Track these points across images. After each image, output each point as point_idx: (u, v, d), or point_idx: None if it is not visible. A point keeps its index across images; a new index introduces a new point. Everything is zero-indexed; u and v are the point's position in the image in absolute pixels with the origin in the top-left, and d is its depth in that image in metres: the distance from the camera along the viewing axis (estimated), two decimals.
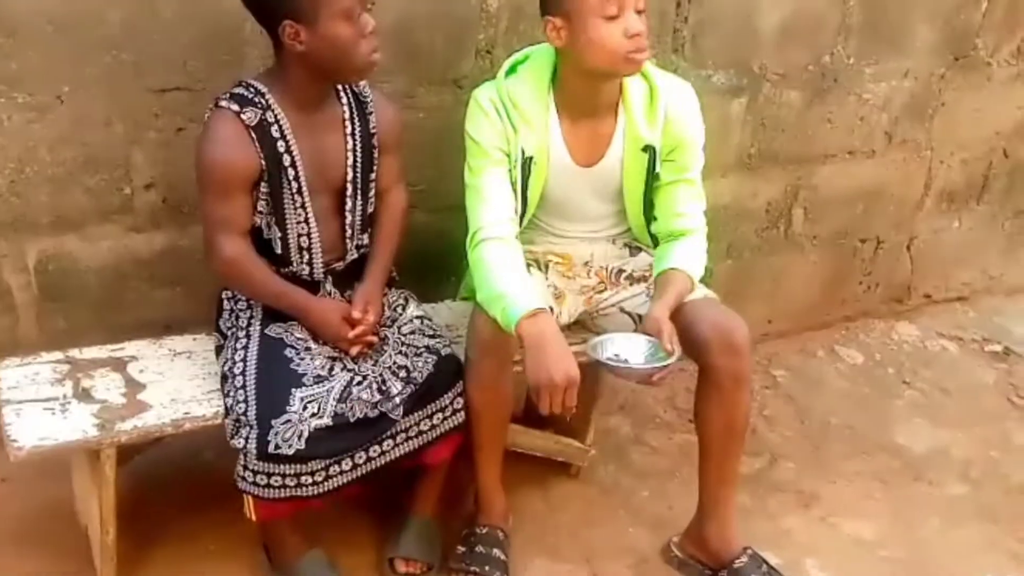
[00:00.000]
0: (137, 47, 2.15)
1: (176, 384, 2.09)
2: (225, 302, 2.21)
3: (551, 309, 2.07)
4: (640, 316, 2.24)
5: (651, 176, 2.20)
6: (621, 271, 2.33)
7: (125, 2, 2.10)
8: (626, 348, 2.06)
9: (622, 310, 2.29)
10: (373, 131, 2.16)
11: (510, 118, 2.12)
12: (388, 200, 2.25)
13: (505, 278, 2.04)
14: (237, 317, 2.17)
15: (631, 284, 2.31)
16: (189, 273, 2.40)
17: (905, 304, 3.62)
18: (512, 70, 2.19)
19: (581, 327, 2.33)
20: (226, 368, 2.06)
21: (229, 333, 2.15)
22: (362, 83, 2.16)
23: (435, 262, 2.49)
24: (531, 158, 2.14)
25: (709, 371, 2.15)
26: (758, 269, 3.22)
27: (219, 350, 2.16)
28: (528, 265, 2.24)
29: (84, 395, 2.02)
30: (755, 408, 2.99)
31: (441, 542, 2.29)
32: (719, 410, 2.16)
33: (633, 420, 2.86)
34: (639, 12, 2.00)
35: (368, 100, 2.16)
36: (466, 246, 2.13)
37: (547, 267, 2.32)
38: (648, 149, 2.16)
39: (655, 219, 2.26)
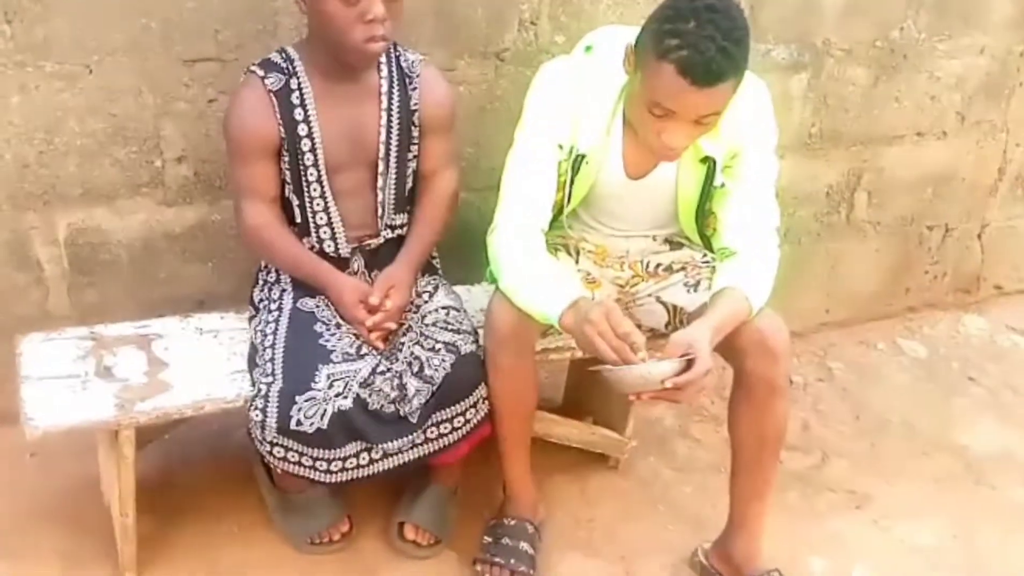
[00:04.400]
0: (167, 16, 2.09)
1: (200, 364, 2.04)
2: (260, 274, 2.18)
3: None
4: (675, 306, 2.13)
5: (708, 188, 2.03)
6: (659, 264, 2.19)
7: None
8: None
9: (658, 300, 2.17)
10: (414, 108, 2.07)
11: (575, 106, 1.96)
12: (433, 184, 2.16)
13: (535, 268, 1.94)
14: (270, 289, 2.13)
15: (670, 274, 2.17)
16: (222, 248, 2.37)
17: (974, 295, 3.45)
18: (589, 49, 2.01)
19: None
20: (256, 338, 2.03)
21: (261, 306, 2.12)
22: (412, 56, 2.07)
23: (473, 242, 2.39)
24: (583, 156, 2.00)
25: (742, 376, 2.01)
26: (817, 256, 3.08)
27: (251, 322, 2.13)
28: (557, 249, 2.14)
29: (105, 373, 1.98)
30: (808, 402, 2.89)
31: (454, 518, 2.23)
32: (751, 419, 2.03)
33: (678, 411, 2.74)
34: None
35: (415, 74, 2.06)
36: (488, 230, 2.02)
37: (578, 253, 2.20)
38: (707, 160, 1.99)
39: (714, 230, 2.07)
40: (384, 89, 2.04)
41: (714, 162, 1.99)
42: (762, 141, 2.03)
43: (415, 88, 2.07)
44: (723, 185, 2.02)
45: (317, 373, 1.91)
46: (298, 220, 2.07)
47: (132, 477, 1.94)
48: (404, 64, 2.07)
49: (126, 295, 2.33)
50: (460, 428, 2.02)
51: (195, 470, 2.33)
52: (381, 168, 2.07)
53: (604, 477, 2.49)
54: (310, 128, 1.98)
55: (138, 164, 2.21)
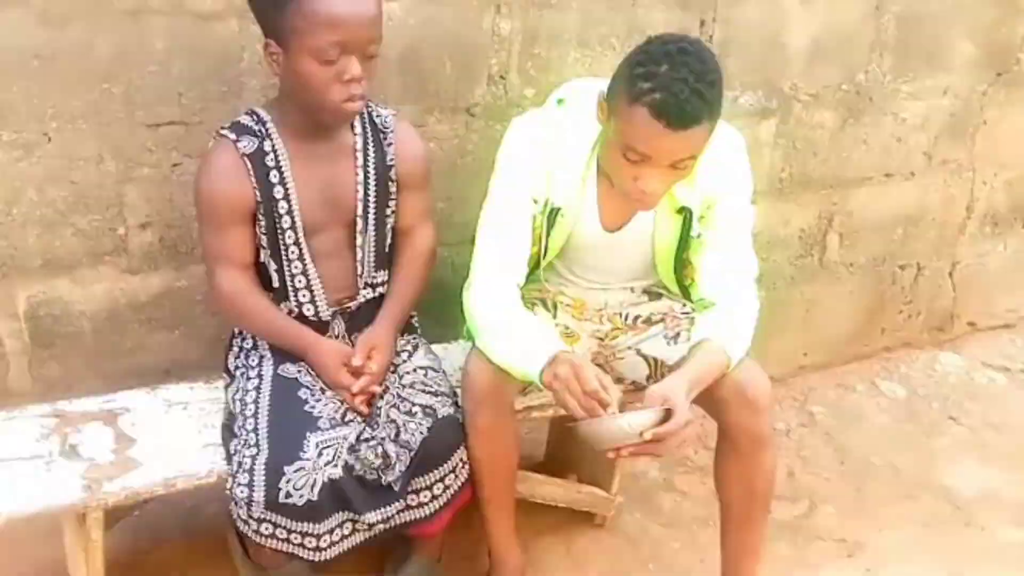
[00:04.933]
0: (129, 79, 2.03)
1: (169, 439, 1.95)
2: (234, 341, 2.10)
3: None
4: (656, 359, 2.09)
5: (685, 239, 2.00)
6: (637, 316, 2.15)
7: (114, 33, 1.99)
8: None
9: (639, 352, 2.13)
10: (391, 163, 2.02)
11: (549, 159, 1.93)
12: (411, 240, 2.11)
13: (512, 324, 1.89)
14: (247, 356, 2.05)
15: (649, 326, 2.14)
16: (189, 315, 2.28)
17: (948, 333, 3.45)
18: (561, 102, 1.99)
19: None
20: (235, 408, 1.94)
21: (238, 373, 2.03)
22: (384, 111, 2.03)
23: (448, 299, 2.35)
24: (559, 210, 1.97)
25: (725, 429, 1.97)
26: (792, 299, 3.06)
27: (227, 389, 2.04)
28: (534, 304, 2.10)
29: (71, 452, 1.88)
30: (793, 448, 2.85)
31: None
32: (739, 473, 1.98)
33: (662, 463, 2.69)
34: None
35: (388, 130, 2.02)
36: (464, 286, 1.98)
37: (556, 307, 2.16)
38: (683, 211, 1.96)
39: (693, 280, 2.04)
40: (359, 146, 1.99)
41: (690, 212, 1.97)
42: (737, 190, 2.00)
43: (390, 144, 2.02)
44: (700, 235, 1.99)
45: (305, 442, 1.83)
46: (276, 285, 2.00)
47: (101, 560, 1.85)
48: (377, 120, 2.02)
49: (90, 368, 2.23)
50: (440, 496, 1.94)
51: (166, 548, 2.23)
52: (360, 226, 2.02)
53: (591, 536, 2.43)
54: (286, 190, 1.93)
55: (101, 232, 2.14)
